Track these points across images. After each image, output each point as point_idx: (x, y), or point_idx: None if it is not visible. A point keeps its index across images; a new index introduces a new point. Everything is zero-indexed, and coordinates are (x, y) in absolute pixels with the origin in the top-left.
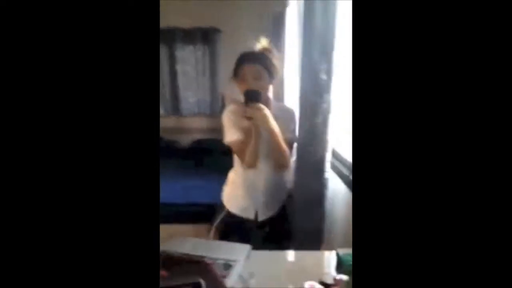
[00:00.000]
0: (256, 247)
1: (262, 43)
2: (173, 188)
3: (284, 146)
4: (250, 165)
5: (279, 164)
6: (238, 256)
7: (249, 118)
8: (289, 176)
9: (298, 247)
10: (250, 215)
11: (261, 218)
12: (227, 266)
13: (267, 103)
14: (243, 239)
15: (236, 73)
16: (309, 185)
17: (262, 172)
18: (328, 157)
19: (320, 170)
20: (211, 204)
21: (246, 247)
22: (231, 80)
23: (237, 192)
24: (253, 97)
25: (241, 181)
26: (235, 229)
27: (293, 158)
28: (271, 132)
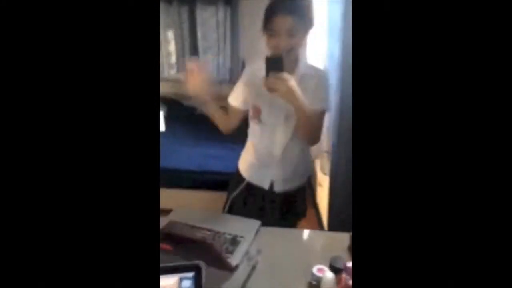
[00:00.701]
0: (272, 222)
1: None
2: (190, 155)
3: (313, 119)
4: (225, 130)
5: (308, 138)
6: (247, 232)
7: (271, 90)
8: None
9: (337, 228)
10: (266, 186)
11: (277, 189)
12: (234, 242)
13: (295, 64)
14: (259, 212)
15: (267, 26)
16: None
17: (279, 143)
18: None
19: None
20: (228, 172)
21: (255, 223)
22: (262, 34)
23: (252, 161)
24: (275, 65)
25: (255, 149)
26: (253, 202)
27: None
28: (297, 106)
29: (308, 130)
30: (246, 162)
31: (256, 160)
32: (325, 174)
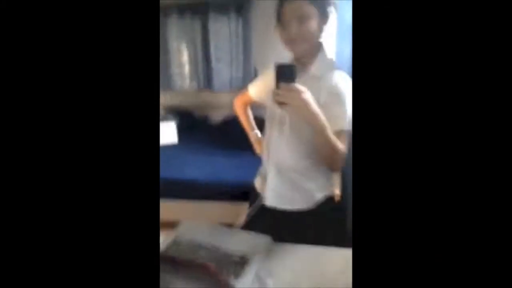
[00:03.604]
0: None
1: None
2: (203, 166)
3: (333, 141)
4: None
5: (327, 164)
6: (257, 249)
7: (281, 104)
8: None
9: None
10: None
11: (268, 203)
12: (243, 263)
13: (308, 59)
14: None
15: (278, 19)
16: None
17: (273, 151)
18: None
19: None
20: (242, 183)
21: (266, 239)
22: (275, 29)
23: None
24: (286, 74)
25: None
26: (266, 221)
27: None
28: (313, 124)
29: (327, 153)
30: (259, 174)
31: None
32: None
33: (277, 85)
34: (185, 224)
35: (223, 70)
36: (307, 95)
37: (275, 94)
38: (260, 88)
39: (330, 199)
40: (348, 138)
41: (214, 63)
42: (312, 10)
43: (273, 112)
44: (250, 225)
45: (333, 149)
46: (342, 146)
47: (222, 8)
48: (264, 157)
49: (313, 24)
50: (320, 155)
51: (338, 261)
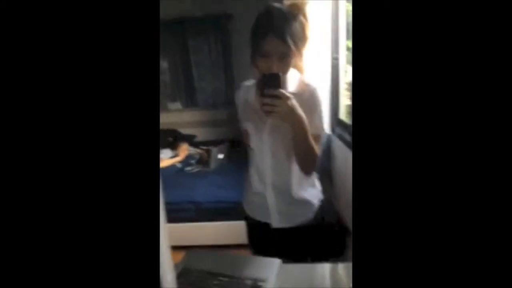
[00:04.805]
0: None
1: None
2: (197, 187)
3: (313, 145)
4: None
5: (303, 167)
6: (268, 273)
7: (268, 112)
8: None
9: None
10: (270, 220)
11: (275, 224)
12: (256, 287)
13: (286, 81)
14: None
15: (256, 49)
16: None
17: (269, 169)
18: None
19: None
20: (238, 201)
21: (275, 262)
22: (252, 56)
23: (252, 194)
24: (272, 83)
25: (252, 179)
26: (266, 241)
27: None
28: (298, 129)
29: (305, 157)
30: (247, 197)
31: (255, 193)
32: None
33: (263, 93)
34: (192, 253)
35: (206, 87)
36: (293, 101)
37: (262, 102)
38: (245, 113)
39: (326, 205)
40: (321, 142)
41: (196, 81)
42: (292, 47)
43: (257, 126)
44: (258, 247)
45: (312, 152)
46: (317, 149)
47: (200, 25)
48: (256, 176)
49: (291, 60)
50: (299, 159)
51: (346, 275)
